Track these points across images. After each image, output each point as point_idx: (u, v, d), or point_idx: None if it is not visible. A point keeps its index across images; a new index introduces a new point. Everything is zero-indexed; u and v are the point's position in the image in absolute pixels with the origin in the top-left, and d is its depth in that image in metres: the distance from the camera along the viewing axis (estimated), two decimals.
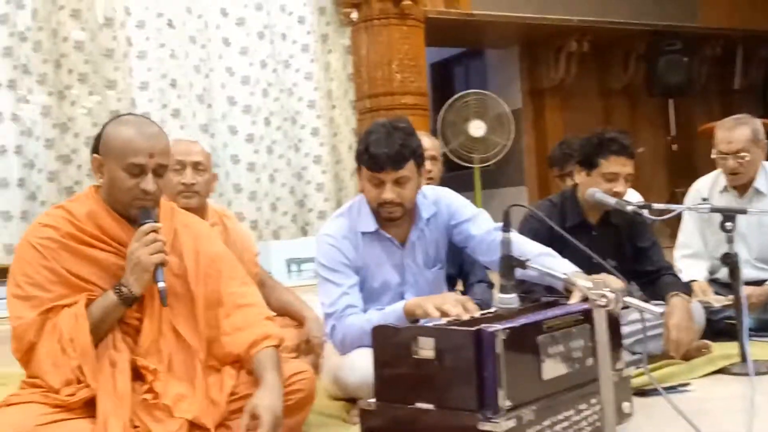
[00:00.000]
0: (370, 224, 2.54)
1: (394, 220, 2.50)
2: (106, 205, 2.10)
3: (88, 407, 1.93)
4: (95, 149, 2.12)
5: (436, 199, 2.65)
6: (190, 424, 1.96)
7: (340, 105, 5.81)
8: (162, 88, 5.15)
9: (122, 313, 2.05)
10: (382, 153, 2.40)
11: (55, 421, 1.86)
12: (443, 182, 3.23)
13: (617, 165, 2.94)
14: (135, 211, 2.06)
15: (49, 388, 1.92)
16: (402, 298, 2.51)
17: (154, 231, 2.04)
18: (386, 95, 5.71)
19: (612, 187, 2.94)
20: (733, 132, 3.42)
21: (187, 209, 2.48)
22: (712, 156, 3.53)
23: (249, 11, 5.50)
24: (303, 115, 5.69)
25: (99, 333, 2.01)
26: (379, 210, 2.49)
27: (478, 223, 2.61)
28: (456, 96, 6.78)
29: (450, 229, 2.64)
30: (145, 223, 2.05)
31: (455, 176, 6.29)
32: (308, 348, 2.80)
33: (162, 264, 2.03)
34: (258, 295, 2.29)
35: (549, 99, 7.55)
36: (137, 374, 2.04)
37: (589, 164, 3.00)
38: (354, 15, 5.72)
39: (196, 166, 2.80)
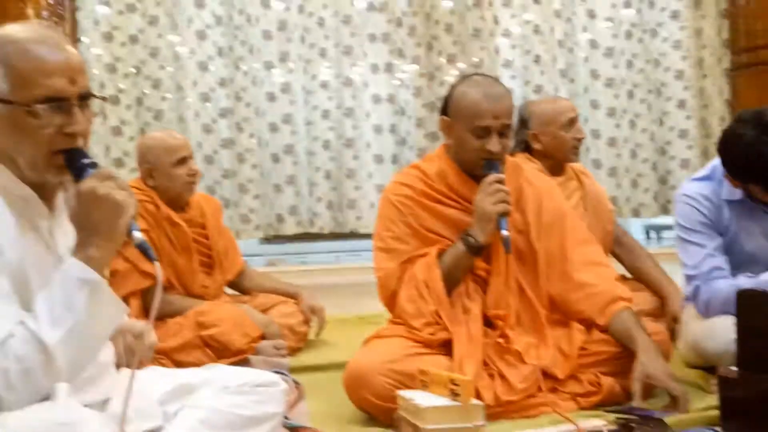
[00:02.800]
0: (735, 192, 2.34)
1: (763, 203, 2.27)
2: (454, 163, 2.20)
3: (446, 347, 2.07)
4: (444, 110, 2.21)
5: None
6: (541, 372, 2.02)
7: (711, 74, 5.37)
8: (526, 65, 5.20)
9: (471, 262, 2.15)
10: None
11: (419, 354, 2.04)
12: None
13: None
14: (480, 171, 2.13)
15: (412, 328, 2.10)
16: None
17: (498, 182, 2.09)
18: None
19: None
20: None
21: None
22: None
23: None
24: (669, 87, 5.36)
25: (451, 280, 2.13)
26: None
27: None
28: None
29: None
30: (490, 174, 2.11)
31: None
32: (667, 319, 2.68)
33: (505, 213, 2.08)
34: (602, 254, 2.27)
35: None
36: (488, 323, 2.14)
37: None
38: None
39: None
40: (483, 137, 2.10)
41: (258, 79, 4.85)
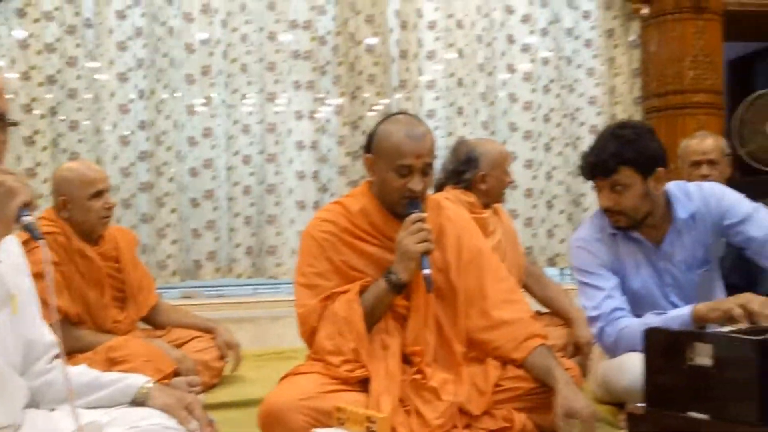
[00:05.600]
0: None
1: (619, 228, 2.40)
2: (376, 201, 2.23)
3: (364, 384, 2.08)
4: (368, 148, 2.24)
5: (705, 196, 2.48)
6: (456, 408, 2.04)
7: (623, 101, 5.62)
8: (449, 87, 5.33)
9: (392, 299, 2.17)
10: (588, 161, 2.39)
11: (336, 390, 2.03)
12: (734, 187, 3.00)
13: None
14: (402, 209, 2.17)
15: (330, 365, 2.09)
16: (667, 301, 2.39)
17: (420, 221, 2.13)
18: (676, 93, 5.42)
19: None
20: None
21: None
22: None
23: (534, 8, 5.50)
24: (585, 140, 5.58)
25: (371, 318, 2.15)
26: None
27: (758, 223, 2.41)
28: (756, 94, 6.25)
29: (723, 229, 2.46)
30: (412, 212, 2.14)
31: (750, 181, 5.81)
32: (576, 349, 2.78)
33: (427, 252, 2.11)
34: (518, 291, 2.33)
35: None
36: (405, 360, 2.15)
37: None
38: (645, 10, 5.50)
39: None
40: (405, 176, 2.14)
41: (179, 123, 4.82)
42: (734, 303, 2.09)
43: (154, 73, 4.72)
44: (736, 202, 2.47)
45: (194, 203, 4.85)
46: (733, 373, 1.72)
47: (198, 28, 4.85)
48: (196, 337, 2.97)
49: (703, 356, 1.78)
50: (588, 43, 5.61)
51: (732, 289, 2.84)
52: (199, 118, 4.86)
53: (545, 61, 5.52)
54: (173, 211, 4.74)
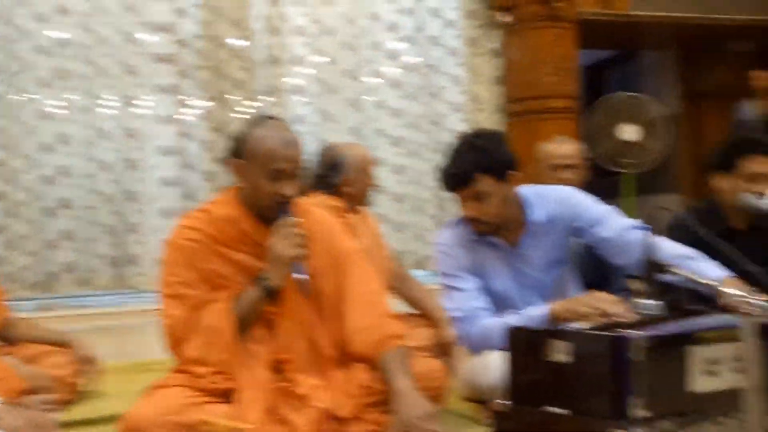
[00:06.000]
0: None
1: (480, 234, 2.48)
2: (244, 207, 2.18)
3: (230, 393, 2.02)
4: (236, 153, 2.19)
5: (558, 199, 2.57)
6: (325, 414, 2.02)
7: (487, 108, 5.78)
8: (317, 92, 5.31)
9: (264, 305, 2.13)
10: (447, 173, 2.44)
11: (201, 403, 1.97)
12: (587, 188, 3.13)
13: (759, 164, 2.79)
14: (274, 214, 2.14)
15: (196, 376, 2.03)
16: (526, 302, 2.47)
17: (293, 225, 2.11)
18: (535, 99, 5.62)
19: (754, 189, 2.78)
20: None
21: None
22: None
23: (400, 16, 5.57)
24: (448, 119, 5.70)
25: (243, 326, 2.11)
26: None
27: (609, 224, 2.52)
28: (604, 98, 6.57)
29: (575, 231, 2.57)
30: (284, 217, 2.12)
31: (602, 182, 6.10)
32: (442, 349, 2.82)
33: (301, 257, 2.09)
34: (383, 294, 2.34)
35: (708, 104, 7.18)
36: (274, 367, 2.11)
37: (728, 166, 2.85)
38: (505, 18, 5.68)
39: None
40: (278, 180, 2.11)
41: (32, 128, 4.57)
42: (587, 303, 2.17)
43: (6, 76, 4.46)
44: (589, 205, 2.58)
45: (50, 212, 4.61)
46: (589, 369, 1.79)
47: (52, 28, 4.62)
48: (51, 351, 2.83)
49: (561, 353, 1.84)
50: (452, 51, 5.72)
51: (587, 287, 2.98)
52: (54, 123, 4.63)
53: (411, 69, 5.60)
54: (28, 221, 4.49)
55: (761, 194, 2.76)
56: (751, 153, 2.81)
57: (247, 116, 4.97)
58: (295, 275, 2.10)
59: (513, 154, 2.50)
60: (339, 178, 2.98)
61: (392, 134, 5.54)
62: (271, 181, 2.11)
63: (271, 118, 2.28)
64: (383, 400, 2.11)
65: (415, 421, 1.98)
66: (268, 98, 5.13)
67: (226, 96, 5.00)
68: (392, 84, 5.55)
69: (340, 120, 5.37)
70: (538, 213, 2.52)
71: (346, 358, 2.19)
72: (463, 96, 5.71)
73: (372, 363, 2.15)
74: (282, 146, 2.12)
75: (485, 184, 2.41)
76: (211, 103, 4.97)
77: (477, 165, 2.39)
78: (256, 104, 5.07)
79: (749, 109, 6.47)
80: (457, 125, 5.66)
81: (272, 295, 2.12)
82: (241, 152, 2.17)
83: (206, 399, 1.99)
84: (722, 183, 2.90)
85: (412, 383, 2.06)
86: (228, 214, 2.18)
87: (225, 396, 2.02)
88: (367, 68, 5.50)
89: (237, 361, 2.05)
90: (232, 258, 2.16)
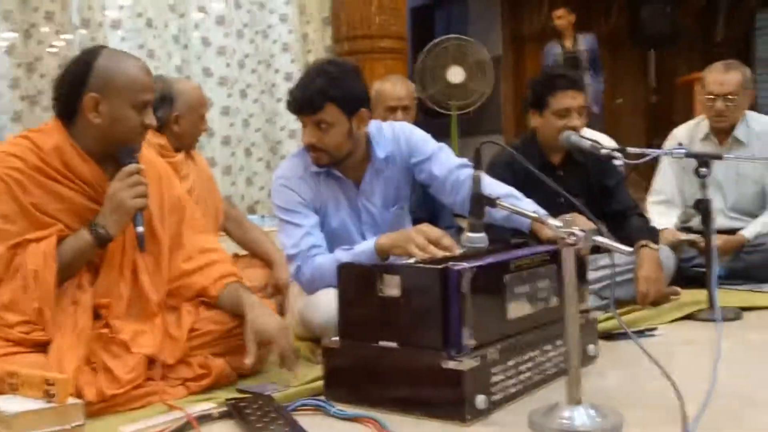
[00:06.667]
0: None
1: (321, 166, 2.45)
2: (73, 141, 2.01)
3: (45, 344, 1.89)
4: (83, 87, 1.98)
5: (395, 136, 2.57)
6: (148, 360, 1.94)
7: (315, 49, 5.70)
8: (138, 28, 5.03)
9: (94, 253, 2.00)
10: (295, 96, 2.39)
11: (10, 354, 1.83)
12: (419, 128, 3.16)
13: (567, 99, 2.93)
14: (119, 153, 2.01)
15: (6, 324, 1.88)
16: (363, 238, 2.47)
17: (138, 173, 1.98)
18: (365, 38, 5.60)
19: (566, 123, 2.92)
20: (726, 74, 3.44)
21: None
22: (699, 98, 3.51)
23: None
24: (277, 59, 5.58)
25: (67, 272, 1.97)
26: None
27: (441, 161, 2.54)
28: (434, 41, 6.68)
29: (411, 167, 2.58)
30: (129, 162, 1.99)
31: (432, 123, 6.23)
32: (275, 289, 2.79)
33: (142, 208, 1.99)
34: (216, 241, 2.31)
35: (530, 46, 7.46)
36: (94, 314, 1.99)
37: (540, 105, 2.98)
38: None
39: None
40: (143, 111, 2.01)
41: None
42: (412, 236, 2.18)
43: None
44: (423, 141, 2.59)
45: None
46: (419, 302, 1.81)
47: None
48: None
49: (392, 287, 1.85)
50: None
51: (417, 224, 3.02)
52: None
53: (238, 5, 5.42)
54: None
55: (577, 132, 2.89)
56: (556, 89, 2.94)
57: (59, 53, 4.64)
58: (138, 228, 1.98)
59: (366, 91, 2.45)
60: (166, 113, 2.79)
61: (219, 74, 5.37)
62: (137, 112, 2.00)
63: (109, 48, 2.11)
64: (209, 342, 2.06)
65: (268, 328, 1.99)
66: (82, 31, 4.79)
67: (35, 30, 4.62)
68: (218, 21, 5.36)
69: (164, 57, 5.12)
70: (381, 150, 2.51)
71: (175, 303, 2.10)
72: (291, 36, 5.61)
73: (208, 296, 2.11)
74: (145, 76, 2.03)
75: (330, 114, 2.36)
76: (17, 37, 4.58)
77: (326, 93, 2.34)
78: (68, 38, 4.72)
79: (555, 47, 6.81)
80: (287, 66, 5.56)
81: (106, 243, 1.99)
82: (91, 85, 1.98)
83: (16, 349, 1.84)
84: (537, 121, 3.02)
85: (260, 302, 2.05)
86: (54, 144, 1.99)
87: (40, 347, 1.88)
88: (192, 4, 5.27)
89: (54, 311, 1.90)
90: (59, 193, 1.98)
